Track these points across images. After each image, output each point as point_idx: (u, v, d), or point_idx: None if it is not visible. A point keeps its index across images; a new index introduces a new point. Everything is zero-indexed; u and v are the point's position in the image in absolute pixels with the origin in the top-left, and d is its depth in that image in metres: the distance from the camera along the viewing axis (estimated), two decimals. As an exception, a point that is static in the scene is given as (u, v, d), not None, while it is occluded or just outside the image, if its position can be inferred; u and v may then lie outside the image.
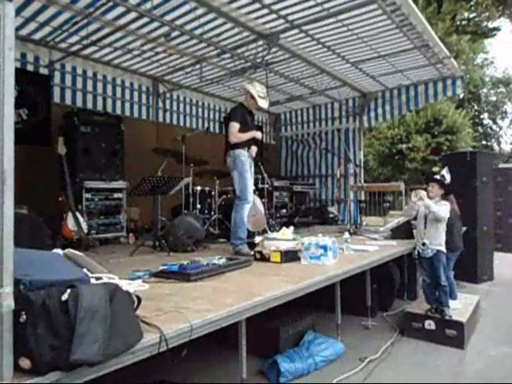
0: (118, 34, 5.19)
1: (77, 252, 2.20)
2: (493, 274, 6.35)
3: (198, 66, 6.43)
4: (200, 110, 8.29)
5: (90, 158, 5.24)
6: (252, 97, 4.25)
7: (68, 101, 5.99)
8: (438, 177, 3.88)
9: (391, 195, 9.70)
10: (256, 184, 5.55)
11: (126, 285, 2.08)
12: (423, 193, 3.73)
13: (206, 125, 8.12)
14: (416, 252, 3.97)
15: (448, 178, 3.91)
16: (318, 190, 9.43)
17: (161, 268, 2.91)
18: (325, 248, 3.44)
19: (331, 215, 8.33)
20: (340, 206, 8.90)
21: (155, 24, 4.89)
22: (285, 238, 3.85)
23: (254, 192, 4.82)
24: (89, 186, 5.13)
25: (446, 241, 3.80)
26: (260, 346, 3.00)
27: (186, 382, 2.79)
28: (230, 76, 6.94)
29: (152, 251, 4.29)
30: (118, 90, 6.71)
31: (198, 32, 5.07)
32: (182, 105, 7.88)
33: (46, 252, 1.96)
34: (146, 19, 4.69)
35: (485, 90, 26.30)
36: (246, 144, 4.21)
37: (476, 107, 26.16)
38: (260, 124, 9.49)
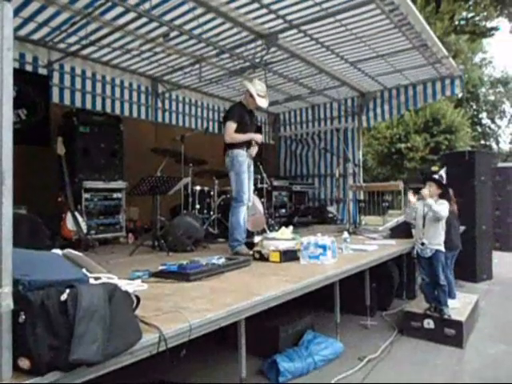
0: (117, 34, 5.19)
1: (76, 252, 2.20)
2: (491, 273, 6.36)
3: (196, 66, 6.43)
4: (199, 109, 8.29)
5: (89, 158, 5.23)
6: (251, 95, 4.13)
7: (67, 101, 5.98)
8: (436, 176, 3.90)
9: (390, 195, 9.73)
10: (255, 184, 5.55)
11: (125, 285, 2.08)
12: (425, 192, 3.75)
13: (205, 125, 8.12)
14: (415, 251, 3.99)
15: (444, 178, 3.93)
16: (317, 189, 9.43)
17: (160, 268, 2.91)
18: (324, 247, 3.44)
19: (330, 215, 8.34)
20: (339, 206, 8.89)
21: (154, 24, 4.89)
22: (284, 237, 3.85)
23: (254, 192, 4.79)
24: (88, 186, 5.12)
25: (445, 240, 3.81)
26: (259, 345, 2.99)
27: (185, 382, 2.79)
28: (229, 76, 6.94)
29: (151, 251, 4.29)
30: (117, 90, 6.71)
31: (196, 32, 5.07)
32: (181, 105, 7.88)
33: (45, 252, 1.95)
34: (144, 19, 4.68)
35: (483, 90, 26.32)
36: (245, 143, 4.13)
37: (474, 107, 26.20)
38: (259, 124, 9.48)
